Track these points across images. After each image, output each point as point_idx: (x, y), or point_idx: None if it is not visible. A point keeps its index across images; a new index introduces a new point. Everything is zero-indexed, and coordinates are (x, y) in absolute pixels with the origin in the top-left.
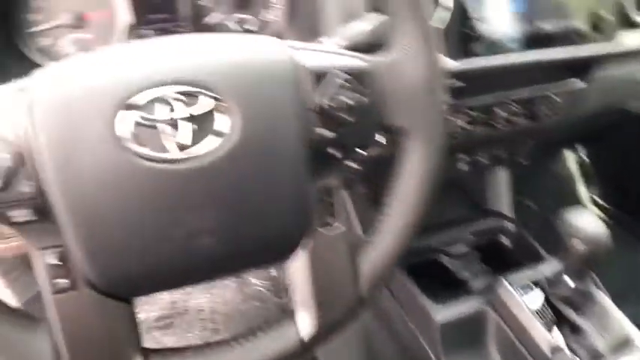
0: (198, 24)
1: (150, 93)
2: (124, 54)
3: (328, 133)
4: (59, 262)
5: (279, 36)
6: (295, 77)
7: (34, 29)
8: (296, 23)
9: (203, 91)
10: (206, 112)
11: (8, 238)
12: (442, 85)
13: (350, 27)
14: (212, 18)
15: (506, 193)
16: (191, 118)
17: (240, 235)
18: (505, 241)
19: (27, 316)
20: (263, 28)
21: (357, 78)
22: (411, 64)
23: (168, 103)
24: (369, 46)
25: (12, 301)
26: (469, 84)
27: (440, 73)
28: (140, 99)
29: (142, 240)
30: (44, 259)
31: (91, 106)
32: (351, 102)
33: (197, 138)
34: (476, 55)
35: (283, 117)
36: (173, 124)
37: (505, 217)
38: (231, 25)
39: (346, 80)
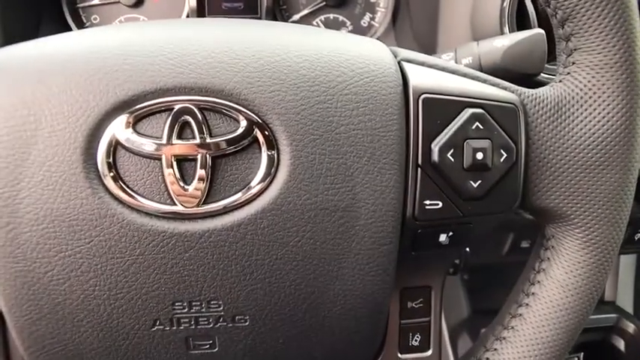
0: (281, 21)
1: (159, 104)
2: (130, 34)
3: (437, 206)
4: None
5: None
6: (402, 110)
7: (86, 3)
8: (402, 32)
9: (245, 111)
10: (242, 147)
11: None
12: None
13: (479, 44)
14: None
15: (629, 285)
16: (216, 153)
17: (263, 346)
18: (618, 343)
19: None
20: (357, 34)
21: (499, 119)
22: (601, 106)
23: (187, 125)
24: (504, 72)
25: None
26: None
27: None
28: (142, 111)
29: (113, 331)
30: None
31: (58, 111)
32: (483, 158)
33: (220, 186)
34: None
35: (369, 171)
36: (188, 158)
37: (624, 312)
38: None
39: (481, 121)
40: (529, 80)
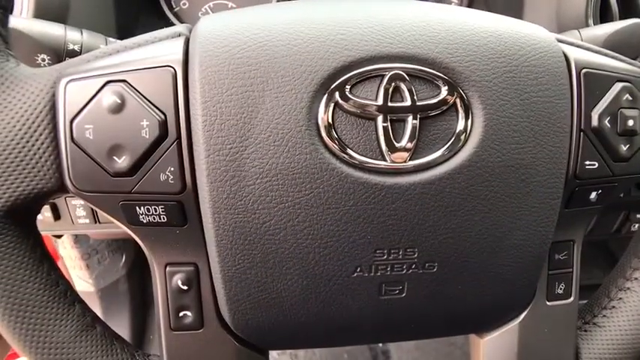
0: None
1: (373, 70)
2: (341, 7)
3: (593, 166)
4: (185, 287)
5: None
6: (568, 81)
7: None
8: None
9: (446, 78)
10: (443, 110)
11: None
12: None
13: (581, 32)
14: None
15: None
16: (423, 114)
17: (444, 291)
18: None
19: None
20: None
21: None
22: None
23: (397, 89)
24: None
25: (87, 285)
26: None
27: None
28: (359, 76)
29: (317, 277)
30: (168, 280)
31: (283, 74)
32: (633, 124)
33: (424, 144)
34: None
35: (546, 133)
36: (399, 119)
37: None
38: None
39: (630, 93)
40: None
